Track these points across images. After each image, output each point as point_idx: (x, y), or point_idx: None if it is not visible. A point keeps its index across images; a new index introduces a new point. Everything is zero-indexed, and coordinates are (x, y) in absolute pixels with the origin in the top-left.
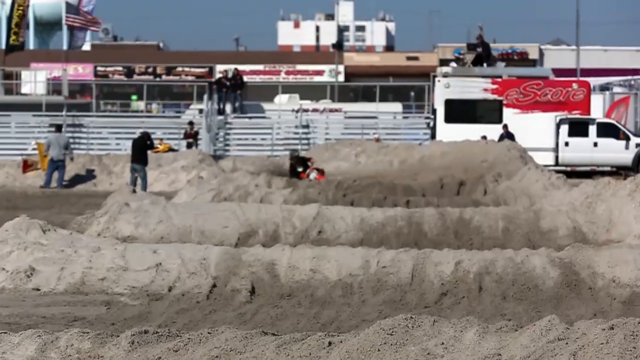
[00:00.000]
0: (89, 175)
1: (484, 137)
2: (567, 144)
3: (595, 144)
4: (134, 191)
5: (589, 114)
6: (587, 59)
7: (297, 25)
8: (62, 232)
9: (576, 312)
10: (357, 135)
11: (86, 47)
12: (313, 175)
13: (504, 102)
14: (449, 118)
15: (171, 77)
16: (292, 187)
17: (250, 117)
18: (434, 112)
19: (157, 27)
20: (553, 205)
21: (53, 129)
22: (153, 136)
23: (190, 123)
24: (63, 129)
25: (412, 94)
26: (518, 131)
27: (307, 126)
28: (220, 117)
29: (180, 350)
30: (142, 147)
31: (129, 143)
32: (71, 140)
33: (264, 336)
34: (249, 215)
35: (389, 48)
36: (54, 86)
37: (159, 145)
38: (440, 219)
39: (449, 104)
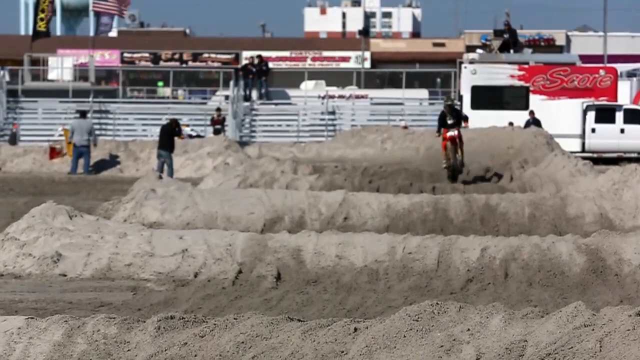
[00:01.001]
0: (115, 161)
1: (511, 124)
2: (593, 130)
3: (622, 131)
4: (160, 177)
5: (616, 101)
6: (614, 45)
7: (323, 12)
8: (89, 218)
9: (602, 298)
10: (383, 121)
11: (113, 33)
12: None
13: (531, 88)
14: (476, 104)
15: (197, 64)
16: (317, 173)
17: (276, 104)
18: (460, 98)
19: (183, 13)
20: (579, 192)
21: (78, 115)
22: (180, 122)
23: (218, 109)
24: (89, 115)
25: (439, 80)
26: (544, 118)
27: (333, 112)
28: (246, 104)
29: (206, 336)
30: (169, 134)
31: (155, 129)
32: (97, 127)
33: (289, 322)
34: (275, 202)
35: (416, 34)
36: (81, 72)
37: (186, 134)
38: (466, 205)
39: (476, 90)
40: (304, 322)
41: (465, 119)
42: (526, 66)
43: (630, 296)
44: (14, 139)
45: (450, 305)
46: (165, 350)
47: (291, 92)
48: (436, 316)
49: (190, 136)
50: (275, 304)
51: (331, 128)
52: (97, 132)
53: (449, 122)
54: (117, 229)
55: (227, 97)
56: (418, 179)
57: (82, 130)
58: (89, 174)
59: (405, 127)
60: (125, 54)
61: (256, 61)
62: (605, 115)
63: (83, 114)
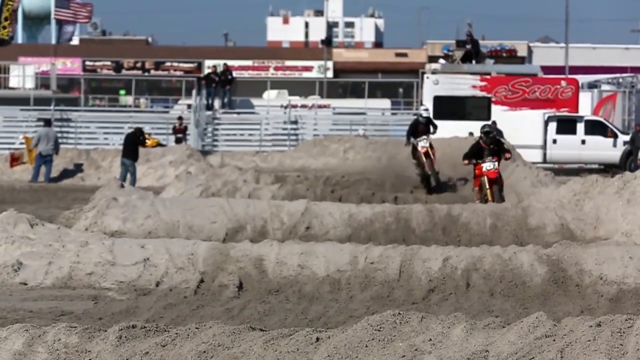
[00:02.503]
0: (77, 169)
1: (471, 134)
2: (555, 141)
3: (583, 142)
4: (122, 186)
5: (577, 112)
6: (576, 57)
7: (286, 21)
8: (50, 226)
9: (563, 309)
10: (345, 131)
11: (75, 41)
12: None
13: (493, 99)
14: (438, 115)
15: (160, 72)
16: (280, 182)
17: (238, 113)
18: None
19: (145, 22)
20: (541, 203)
21: (42, 123)
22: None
23: (180, 118)
24: (52, 124)
25: (401, 90)
26: (506, 128)
27: (295, 122)
28: (209, 113)
29: (168, 345)
30: (134, 142)
31: (117, 138)
32: (59, 135)
33: (251, 331)
34: (237, 211)
35: (378, 44)
36: (42, 80)
37: (147, 141)
38: (428, 215)
39: (438, 100)
40: (266, 331)
41: (508, 150)
42: (488, 77)
43: (591, 307)
44: None
45: (412, 315)
46: (127, 359)
47: (254, 101)
48: (398, 326)
49: (160, 144)
50: (237, 313)
51: (293, 137)
52: (59, 141)
53: (484, 155)
54: (79, 237)
55: (189, 106)
56: (380, 189)
57: (48, 139)
58: (50, 183)
59: (364, 136)
60: (87, 62)
61: (220, 70)
62: (566, 126)
63: (48, 122)
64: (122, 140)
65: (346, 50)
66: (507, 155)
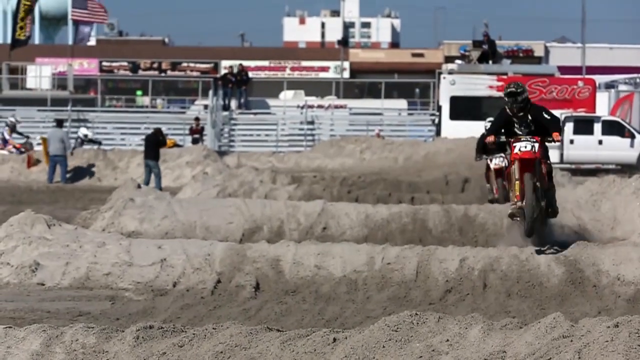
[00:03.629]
0: (94, 170)
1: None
2: (572, 141)
3: (600, 142)
4: (139, 186)
5: (594, 112)
6: (593, 57)
7: (302, 22)
8: (67, 227)
9: (580, 309)
10: (362, 131)
11: (91, 42)
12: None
13: None
14: (454, 115)
15: (176, 73)
16: (296, 183)
17: (255, 113)
18: (439, 108)
19: (162, 22)
20: (558, 203)
21: (55, 124)
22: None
23: (196, 119)
24: (67, 124)
25: (417, 90)
26: None
27: (312, 122)
28: (225, 113)
29: (185, 346)
30: (155, 143)
31: (134, 138)
32: (75, 135)
33: (268, 332)
34: (254, 211)
35: (395, 45)
36: (59, 81)
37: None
38: (445, 216)
39: (454, 100)
40: (283, 332)
41: (557, 125)
42: (505, 77)
43: (608, 307)
44: None
45: (429, 315)
46: None
47: (270, 101)
48: (415, 327)
49: (177, 145)
50: (254, 313)
51: (310, 138)
52: (69, 141)
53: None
54: (96, 238)
55: (206, 107)
56: (397, 189)
57: (55, 140)
58: (67, 183)
59: (379, 135)
60: (104, 63)
61: (236, 70)
62: (583, 126)
63: (59, 123)
64: (140, 141)
65: (362, 51)
66: (556, 135)
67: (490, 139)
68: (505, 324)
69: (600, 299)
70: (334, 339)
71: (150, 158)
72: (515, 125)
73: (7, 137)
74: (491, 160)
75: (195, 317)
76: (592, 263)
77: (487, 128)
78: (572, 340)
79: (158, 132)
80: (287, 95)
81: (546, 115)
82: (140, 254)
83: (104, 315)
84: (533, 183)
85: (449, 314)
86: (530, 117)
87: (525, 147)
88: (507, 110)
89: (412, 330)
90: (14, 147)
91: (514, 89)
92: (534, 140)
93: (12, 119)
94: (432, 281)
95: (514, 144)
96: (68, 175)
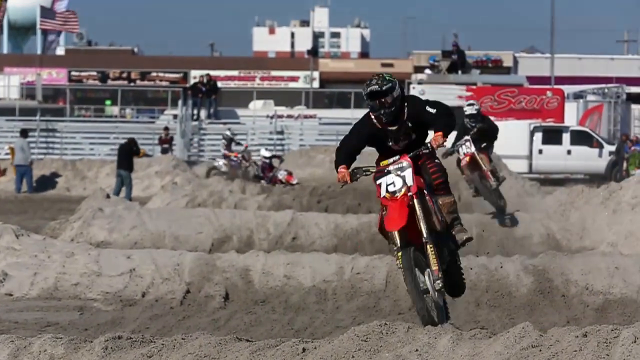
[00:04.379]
0: (63, 180)
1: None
2: (540, 151)
3: (569, 152)
4: (108, 196)
5: (562, 122)
6: (561, 67)
7: (272, 32)
8: (36, 237)
9: (549, 319)
10: (332, 141)
11: (60, 51)
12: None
13: None
14: None
15: (145, 83)
16: (266, 193)
17: (224, 123)
18: None
19: (131, 32)
20: (527, 213)
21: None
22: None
23: (166, 129)
24: (35, 134)
25: None
26: None
27: (281, 132)
28: (195, 123)
29: (154, 356)
30: (128, 153)
31: (103, 148)
32: (44, 145)
33: (238, 342)
34: (223, 221)
35: (364, 54)
36: (28, 91)
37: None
38: None
39: None
40: (252, 342)
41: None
42: (474, 87)
43: (577, 317)
44: None
45: (399, 325)
46: None
47: (239, 111)
48: (385, 336)
49: (146, 155)
50: (224, 323)
51: (280, 148)
52: (44, 151)
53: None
54: (64, 248)
55: (175, 116)
56: (367, 199)
57: (21, 149)
58: (34, 192)
59: None
60: (73, 73)
61: (205, 80)
62: (552, 136)
63: (23, 133)
64: (109, 151)
65: (332, 61)
66: (438, 137)
67: (341, 173)
68: (474, 334)
69: (569, 308)
70: (304, 349)
71: (123, 168)
72: (389, 137)
73: (224, 151)
74: (459, 152)
75: (164, 328)
76: (561, 272)
77: (338, 148)
78: (541, 350)
79: (132, 142)
80: (256, 105)
81: (430, 109)
82: (109, 264)
83: (72, 326)
84: (412, 253)
85: (418, 324)
86: (409, 123)
87: (392, 185)
88: (373, 119)
89: (382, 340)
90: (233, 157)
91: (376, 87)
92: (402, 165)
93: (228, 133)
94: (401, 291)
95: (378, 180)
96: (34, 185)
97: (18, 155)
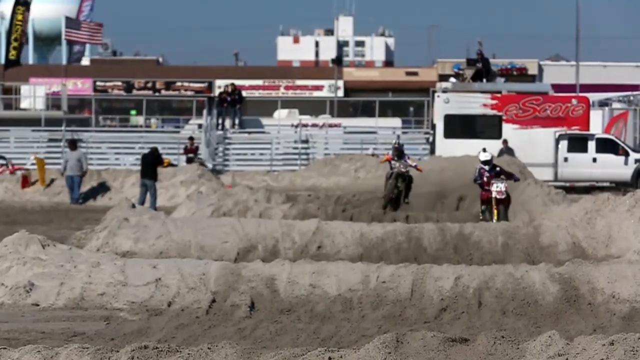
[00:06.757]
0: (88, 190)
1: (484, 150)
2: (566, 159)
3: (595, 160)
4: (134, 206)
5: (588, 130)
6: (586, 75)
7: (296, 41)
8: (62, 247)
9: (576, 327)
10: (356, 150)
11: (85, 62)
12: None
13: (504, 117)
14: (449, 133)
15: (170, 92)
16: (291, 202)
17: (249, 132)
18: (433, 127)
19: (156, 42)
20: (552, 221)
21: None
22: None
23: (191, 138)
24: (59, 144)
25: (412, 109)
26: (517, 147)
27: (306, 141)
28: (220, 132)
29: None
30: (151, 163)
31: (128, 158)
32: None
33: (263, 351)
34: (249, 230)
35: (388, 63)
36: (53, 101)
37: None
38: (439, 234)
39: (449, 119)
40: (278, 351)
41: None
42: (499, 95)
43: (604, 325)
44: None
45: (425, 334)
46: None
47: (264, 120)
48: (407, 345)
49: (171, 164)
50: (249, 333)
51: (304, 157)
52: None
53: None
54: (90, 258)
55: (200, 126)
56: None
57: (78, 161)
58: (77, 204)
59: (374, 155)
60: (98, 83)
61: (230, 89)
62: (577, 144)
63: (73, 144)
64: (134, 160)
65: (356, 69)
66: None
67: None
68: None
69: (595, 316)
70: (330, 358)
71: (147, 177)
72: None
73: None
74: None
75: (190, 337)
76: (587, 281)
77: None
78: (567, 359)
79: (155, 151)
80: (281, 114)
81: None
82: (134, 273)
83: (98, 336)
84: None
85: (444, 333)
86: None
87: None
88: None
89: (407, 348)
90: None
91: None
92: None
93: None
94: (427, 299)
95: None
96: (80, 199)
97: (73, 165)
